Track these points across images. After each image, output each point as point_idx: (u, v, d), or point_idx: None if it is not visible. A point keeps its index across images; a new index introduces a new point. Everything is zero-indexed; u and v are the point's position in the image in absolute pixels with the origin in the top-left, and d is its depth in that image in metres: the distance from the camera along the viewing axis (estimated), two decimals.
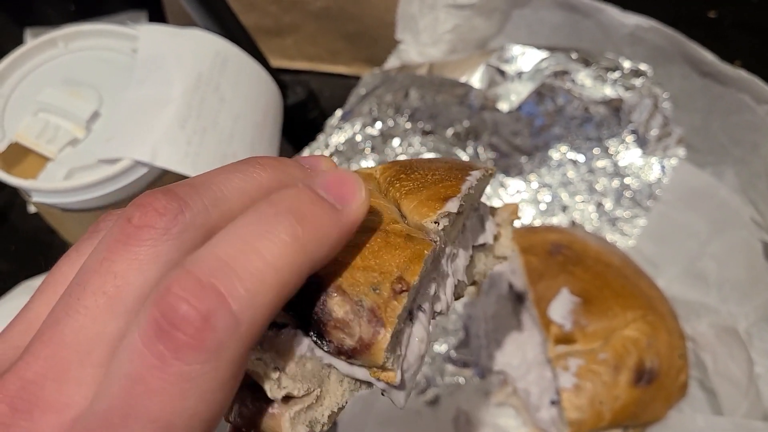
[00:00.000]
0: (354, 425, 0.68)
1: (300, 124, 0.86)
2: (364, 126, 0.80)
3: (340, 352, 0.27)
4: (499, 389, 0.73)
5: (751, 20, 0.98)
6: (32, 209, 0.86)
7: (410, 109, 0.80)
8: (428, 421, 0.72)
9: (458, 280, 0.37)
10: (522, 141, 0.82)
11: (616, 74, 0.76)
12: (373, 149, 0.81)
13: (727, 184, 0.75)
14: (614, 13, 0.77)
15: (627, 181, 0.81)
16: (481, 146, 0.83)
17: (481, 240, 0.41)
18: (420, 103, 0.80)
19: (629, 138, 0.80)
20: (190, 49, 0.70)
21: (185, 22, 0.77)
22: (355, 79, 0.84)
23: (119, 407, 0.21)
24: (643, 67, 0.76)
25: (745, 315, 0.67)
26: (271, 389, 0.27)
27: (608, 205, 0.82)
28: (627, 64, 0.76)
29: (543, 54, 0.76)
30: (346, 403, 0.29)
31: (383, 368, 0.27)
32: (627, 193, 0.81)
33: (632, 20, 0.76)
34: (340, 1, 0.88)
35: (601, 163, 0.82)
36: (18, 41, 0.94)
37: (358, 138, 0.80)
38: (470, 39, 0.82)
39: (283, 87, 0.81)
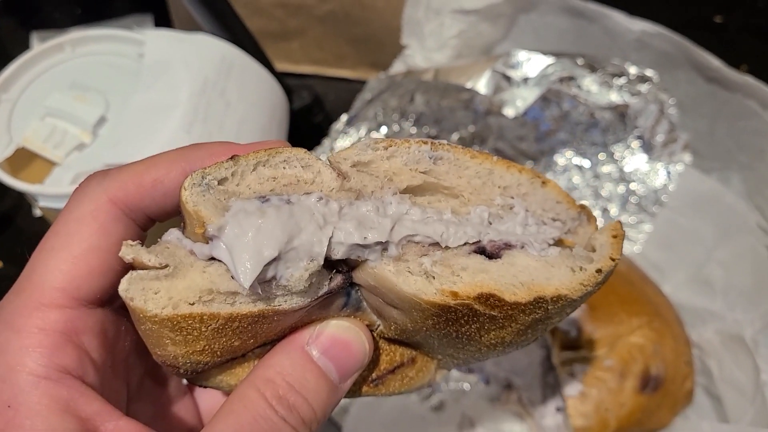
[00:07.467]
0: (359, 430, 0.68)
1: (305, 128, 0.86)
2: (369, 131, 0.80)
3: (183, 224, 0.33)
4: (504, 395, 0.73)
5: (757, 24, 0.98)
6: (38, 213, 0.86)
7: (415, 113, 0.80)
8: (433, 427, 0.72)
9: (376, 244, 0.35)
10: (527, 146, 0.82)
11: (622, 80, 0.76)
12: None
13: (734, 190, 0.74)
14: (620, 18, 0.77)
15: (633, 186, 0.81)
16: (487, 151, 0.83)
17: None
18: (425, 108, 0.80)
19: (635, 143, 0.80)
20: (196, 54, 0.70)
21: (191, 26, 0.78)
22: (360, 84, 0.84)
23: None
24: (649, 72, 0.76)
25: (751, 322, 0.67)
26: (123, 251, 0.32)
27: (614, 210, 0.81)
28: (633, 70, 0.76)
29: (549, 60, 0.76)
30: (214, 302, 0.32)
31: (203, 225, 0.31)
32: (633, 199, 0.81)
33: (638, 26, 0.76)
34: (345, 6, 0.88)
35: (606, 169, 0.82)
36: (24, 44, 0.94)
37: None
38: (476, 44, 0.82)
39: (288, 92, 0.81)
